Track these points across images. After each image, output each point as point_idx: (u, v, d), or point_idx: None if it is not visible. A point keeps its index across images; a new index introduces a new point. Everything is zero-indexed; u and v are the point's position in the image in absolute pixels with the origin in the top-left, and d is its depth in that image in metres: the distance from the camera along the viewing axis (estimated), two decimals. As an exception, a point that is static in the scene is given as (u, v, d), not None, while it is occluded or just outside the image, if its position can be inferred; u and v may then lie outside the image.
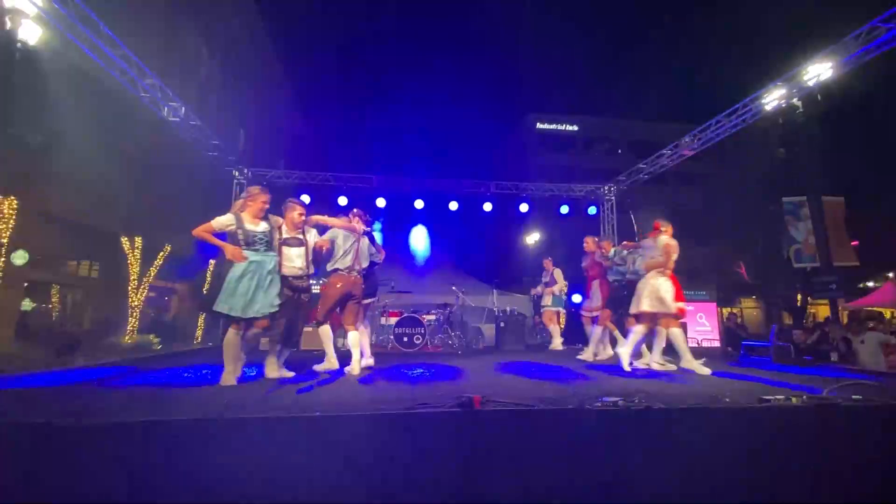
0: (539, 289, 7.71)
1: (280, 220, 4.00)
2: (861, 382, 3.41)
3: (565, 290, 7.51)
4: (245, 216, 3.63)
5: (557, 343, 7.43)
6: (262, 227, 3.66)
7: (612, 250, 5.74)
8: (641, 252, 5.02)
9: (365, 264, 4.56)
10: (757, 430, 2.53)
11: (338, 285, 4.32)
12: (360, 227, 4.55)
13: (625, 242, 5.57)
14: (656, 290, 4.59)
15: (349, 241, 4.41)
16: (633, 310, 4.83)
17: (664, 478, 2.27)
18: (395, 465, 2.12)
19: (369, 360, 4.97)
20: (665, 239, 4.74)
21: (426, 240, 8.43)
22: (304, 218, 4.07)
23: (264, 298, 3.53)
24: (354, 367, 4.17)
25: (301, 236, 4.04)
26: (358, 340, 4.39)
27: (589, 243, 6.14)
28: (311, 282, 4.19)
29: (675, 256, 4.70)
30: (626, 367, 4.56)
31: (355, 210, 4.70)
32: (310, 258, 4.07)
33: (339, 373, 4.19)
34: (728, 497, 2.28)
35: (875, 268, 18.51)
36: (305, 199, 9.82)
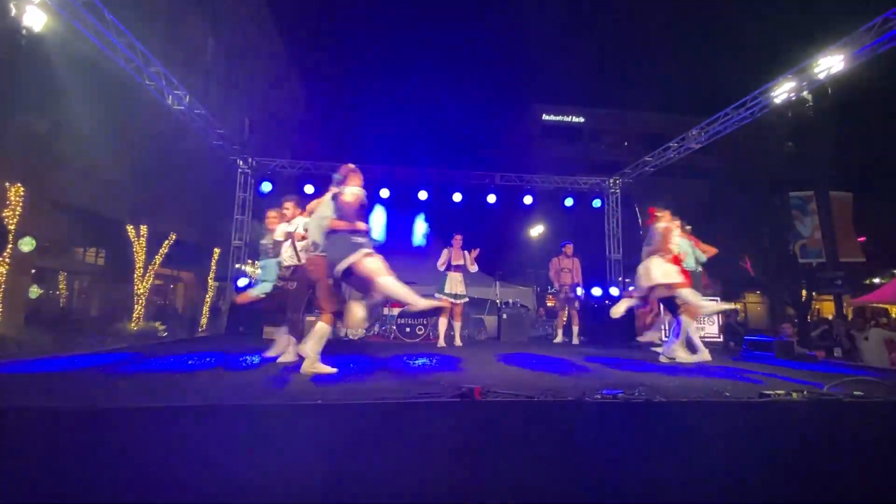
0: (444, 261, 6.82)
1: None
2: (863, 379, 3.40)
3: None
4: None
5: (458, 340, 6.76)
6: (266, 240, 4.55)
7: None
8: (648, 241, 5.04)
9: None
10: (757, 425, 2.53)
11: None
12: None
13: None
14: (647, 269, 4.69)
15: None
16: (638, 293, 4.91)
17: (663, 470, 2.29)
18: (395, 455, 2.14)
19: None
20: (662, 224, 4.79)
21: (424, 227, 8.32)
22: (287, 213, 4.35)
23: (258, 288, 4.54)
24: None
25: (290, 230, 4.26)
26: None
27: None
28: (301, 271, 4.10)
29: (674, 240, 4.75)
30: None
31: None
32: (297, 249, 4.13)
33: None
34: (727, 490, 2.29)
35: (882, 264, 18.30)
36: (309, 189, 9.81)
